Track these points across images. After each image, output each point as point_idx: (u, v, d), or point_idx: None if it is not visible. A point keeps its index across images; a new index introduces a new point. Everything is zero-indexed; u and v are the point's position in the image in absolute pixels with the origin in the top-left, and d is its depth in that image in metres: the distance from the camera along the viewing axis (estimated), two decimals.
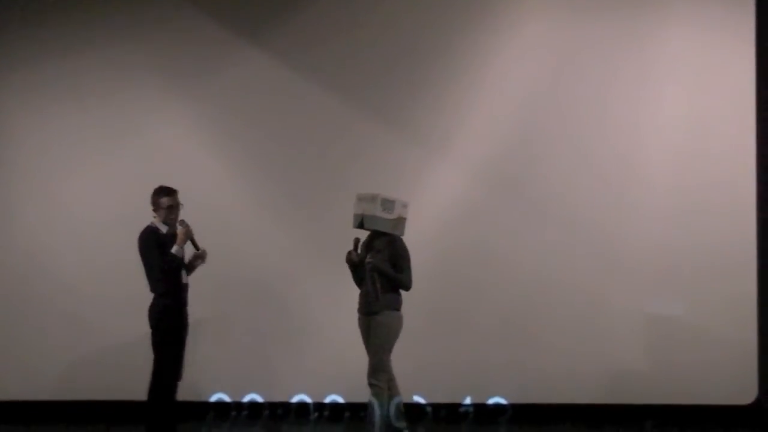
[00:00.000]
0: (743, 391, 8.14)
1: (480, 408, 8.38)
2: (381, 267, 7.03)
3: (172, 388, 7.21)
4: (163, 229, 7.20)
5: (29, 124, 8.91)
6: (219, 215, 8.67)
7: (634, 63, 8.50)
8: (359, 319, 7.19)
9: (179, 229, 7.16)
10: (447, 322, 8.41)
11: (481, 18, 8.64)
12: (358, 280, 7.19)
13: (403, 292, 7.11)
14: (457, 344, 8.38)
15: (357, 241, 7.15)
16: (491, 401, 8.40)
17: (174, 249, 7.12)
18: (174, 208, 7.20)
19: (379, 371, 7.03)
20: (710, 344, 8.21)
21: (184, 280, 7.26)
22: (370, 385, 7.04)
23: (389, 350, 7.06)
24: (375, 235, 7.16)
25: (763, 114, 8.36)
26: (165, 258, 7.08)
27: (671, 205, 8.36)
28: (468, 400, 8.40)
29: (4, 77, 9.00)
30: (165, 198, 7.19)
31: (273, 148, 8.76)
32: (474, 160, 8.57)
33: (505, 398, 8.38)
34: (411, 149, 8.63)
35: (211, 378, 8.52)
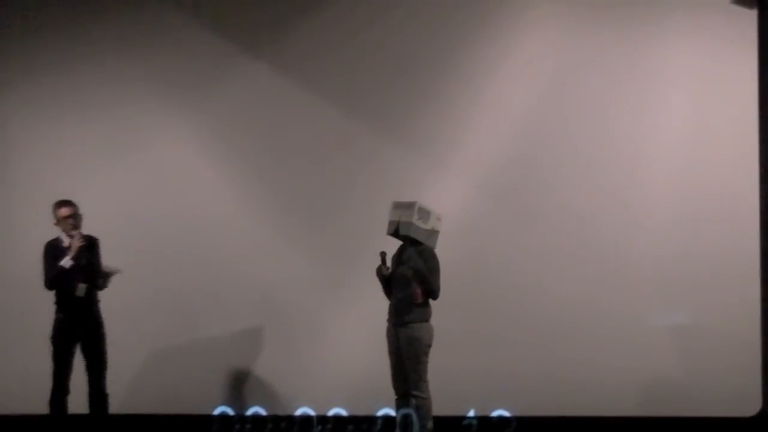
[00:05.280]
0: (747, 403, 8.11)
1: (484, 421, 8.36)
2: (423, 271, 7.07)
3: (60, 401, 7.30)
4: (66, 241, 7.31)
5: (30, 138, 8.93)
6: (220, 226, 8.68)
7: (637, 73, 8.50)
8: (388, 329, 7.21)
9: (72, 241, 7.27)
10: (449, 333, 8.34)
11: (484, 29, 8.64)
12: (389, 292, 7.24)
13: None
14: (460, 356, 8.35)
15: (384, 254, 7.18)
16: (495, 414, 8.38)
17: (63, 260, 7.24)
18: (69, 218, 7.33)
19: (420, 383, 7.11)
20: (713, 354, 8.19)
21: (80, 294, 7.29)
22: (413, 396, 7.11)
23: (425, 361, 7.14)
24: (405, 246, 7.19)
25: (765, 124, 8.35)
26: (50, 269, 7.25)
27: (675, 214, 8.34)
28: (471, 413, 8.38)
29: (5, 91, 9.02)
30: (62, 209, 7.34)
31: (275, 159, 8.76)
32: (477, 170, 8.57)
33: (509, 411, 8.37)
34: (414, 160, 8.63)
35: (214, 391, 8.52)
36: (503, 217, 8.53)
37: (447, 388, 8.31)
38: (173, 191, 8.75)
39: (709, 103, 8.40)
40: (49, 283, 7.32)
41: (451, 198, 8.49)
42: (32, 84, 8.96)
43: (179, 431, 8.38)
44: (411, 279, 7.10)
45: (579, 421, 8.26)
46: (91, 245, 7.42)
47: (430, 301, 7.23)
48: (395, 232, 7.15)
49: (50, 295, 7.34)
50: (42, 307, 8.59)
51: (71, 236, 7.29)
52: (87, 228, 8.73)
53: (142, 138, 8.85)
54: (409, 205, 7.11)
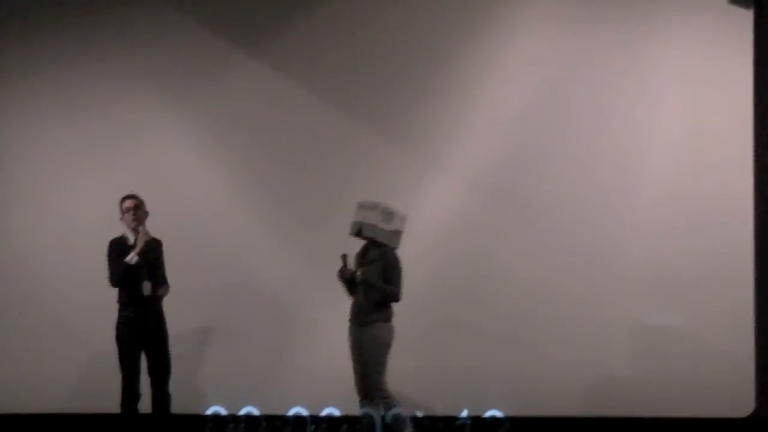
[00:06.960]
0: (740, 404, 8.10)
1: (477, 421, 8.35)
2: (371, 280, 7.10)
3: (132, 406, 7.18)
4: (131, 238, 7.22)
5: (26, 136, 8.96)
6: (216, 226, 8.70)
7: (634, 73, 8.53)
8: (350, 328, 7.27)
9: (138, 236, 7.18)
10: (443, 333, 8.42)
11: (480, 29, 8.67)
12: (352, 292, 7.29)
13: (394, 303, 7.21)
14: (454, 356, 8.38)
15: (345, 256, 7.21)
16: (488, 414, 8.38)
17: (128, 257, 7.12)
18: (131, 210, 7.21)
19: (381, 383, 7.15)
20: (706, 355, 8.21)
21: (146, 292, 7.17)
22: (378, 397, 7.14)
23: (384, 362, 7.15)
24: (369, 245, 7.22)
25: (761, 126, 8.33)
26: (116, 265, 7.11)
27: (670, 215, 8.37)
28: (465, 413, 8.38)
29: (2, 88, 9.03)
30: (126, 201, 7.24)
31: (270, 159, 8.78)
32: (471, 170, 8.58)
33: (502, 411, 8.36)
34: (408, 160, 8.65)
35: (207, 390, 8.52)
36: (498, 217, 8.54)
37: (440, 388, 8.37)
38: (169, 189, 8.74)
39: (704, 103, 8.42)
40: (116, 280, 7.15)
41: (446, 197, 8.52)
42: (30, 82, 8.99)
43: (172, 430, 8.37)
44: (374, 280, 7.13)
45: (572, 422, 8.27)
46: (156, 246, 7.34)
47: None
48: (358, 233, 7.18)
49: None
50: (41, 306, 8.68)
51: (136, 231, 7.20)
52: (85, 227, 8.79)
53: (140, 136, 8.87)
54: (374, 206, 7.17)
